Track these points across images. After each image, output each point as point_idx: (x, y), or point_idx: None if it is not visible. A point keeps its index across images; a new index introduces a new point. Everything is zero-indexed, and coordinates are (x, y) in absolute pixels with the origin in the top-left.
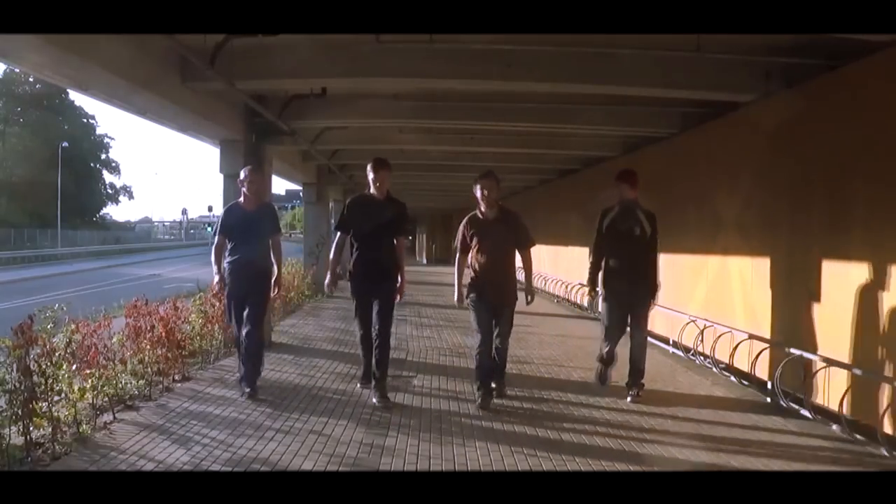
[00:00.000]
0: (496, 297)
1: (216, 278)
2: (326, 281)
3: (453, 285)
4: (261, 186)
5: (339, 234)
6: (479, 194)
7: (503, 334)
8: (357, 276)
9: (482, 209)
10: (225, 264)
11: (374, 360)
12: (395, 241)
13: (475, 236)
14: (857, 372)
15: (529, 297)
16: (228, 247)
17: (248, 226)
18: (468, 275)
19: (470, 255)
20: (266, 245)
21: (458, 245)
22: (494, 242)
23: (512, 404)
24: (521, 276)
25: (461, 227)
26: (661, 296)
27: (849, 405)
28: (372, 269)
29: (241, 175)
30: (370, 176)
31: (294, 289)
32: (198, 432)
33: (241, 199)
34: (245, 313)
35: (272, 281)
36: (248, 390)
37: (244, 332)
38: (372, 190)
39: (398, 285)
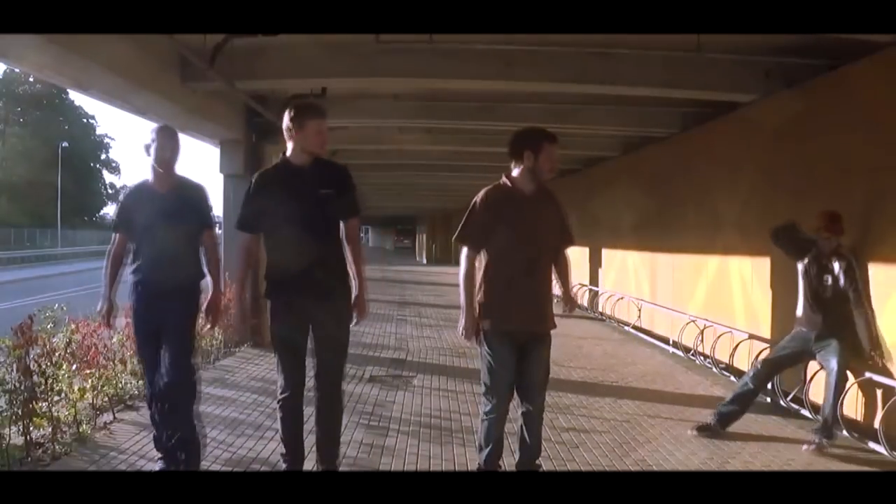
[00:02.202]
0: (528, 323)
1: (102, 304)
2: (235, 319)
3: (460, 308)
4: (176, 153)
5: (242, 235)
6: (534, 160)
7: (536, 389)
8: (280, 294)
9: (516, 175)
10: (129, 281)
11: (317, 437)
12: (337, 230)
13: (501, 221)
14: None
15: (568, 307)
16: (130, 253)
17: (159, 217)
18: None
19: (484, 254)
20: (191, 247)
21: (468, 233)
22: (534, 234)
23: (512, 405)
24: None
25: (477, 205)
26: (662, 296)
27: (849, 405)
28: (307, 281)
29: (149, 138)
30: (290, 127)
31: None
32: (198, 432)
33: (151, 176)
34: (161, 356)
35: (202, 304)
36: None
37: (162, 383)
38: (292, 153)
39: (352, 300)
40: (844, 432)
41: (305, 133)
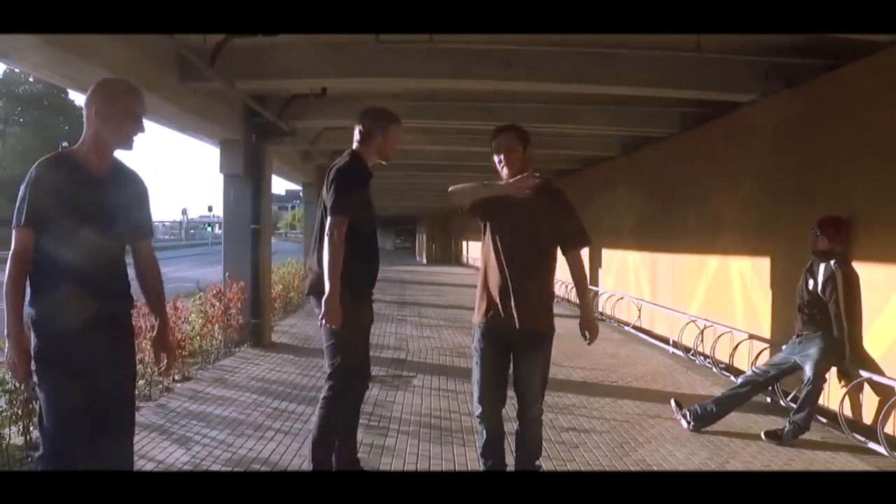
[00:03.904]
0: (520, 321)
1: (12, 348)
2: (334, 313)
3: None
4: (136, 120)
5: (343, 221)
6: (496, 161)
7: (529, 393)
8: (365, 292)
9: (505, 180)
10: (30, 312)
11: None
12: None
13: (492, 217)
14: (857, 372)
15: (587, 332)
16: (45, 265)
17: (96, 212)
18: (473, 288)
19: (482, 251)
20: (123, 260)
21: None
22: (522, 231)
23: (512, 405)
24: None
25: (476, 183)
26: (662, 296)
27: (849, 405)
28: (374, 280)
29: (106, 92)
30: (374, 128)
31: (294, 289)
32: (198, 432)
33: (81, 146)
34: (93, 416)
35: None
36: None
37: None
38: (367, 154)
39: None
40: (844, 432)
41: (388, 139)
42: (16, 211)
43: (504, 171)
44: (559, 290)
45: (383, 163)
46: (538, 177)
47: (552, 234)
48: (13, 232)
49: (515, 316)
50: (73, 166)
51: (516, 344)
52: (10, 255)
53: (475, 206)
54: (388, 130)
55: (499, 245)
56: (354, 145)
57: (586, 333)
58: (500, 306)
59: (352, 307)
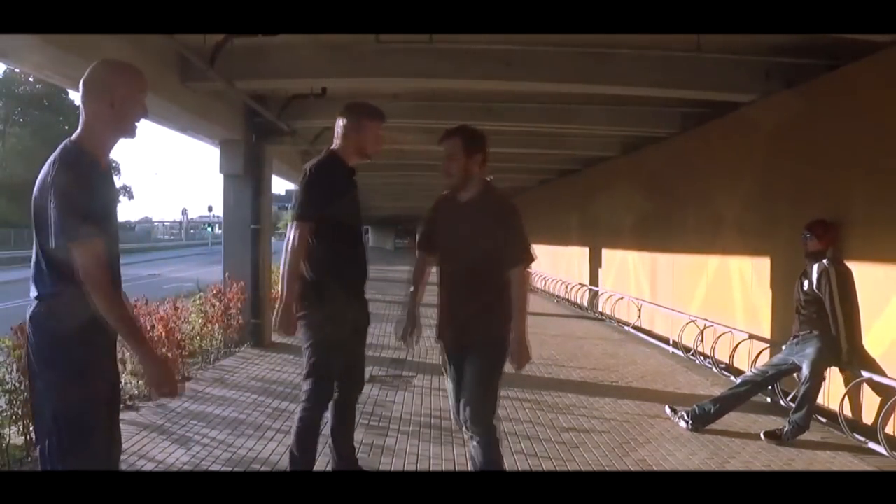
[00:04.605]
0: (451, 334)
1: (154, 372)
2: (283, 319)
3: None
4: (141, 103)
5: (304, 225)
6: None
7: (468, 412)
8: (340, 291)
9: (450, 185)
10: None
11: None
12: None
13: (437, 230)
14: (857, 371)
15: (514, 358)
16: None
17: (115, 206)
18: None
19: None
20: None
21: (420, 237)
22: (456, 246)
23: (512, 405)
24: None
25: (428, 213)
26: (662, 296)
27: (849, 405)
28: (361, 280)
29: (115, 73)
30: (347, 125)
31: None
32: (198, 432)
33: (86, 138)
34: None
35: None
36: None
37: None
38: (344, 151)
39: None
40: (844, 432)
41: (365, 135)
42: (77, 223)
43: (445, 181)
44: (558, 289)
45: (368, 160)
46: (489, 181)
47: (494, 247)
48: (83, 247)
49: (450, 327)
50: (94, 163)
51: (459, 356)
52: (94, 275)
53: (426, 247)
54: (363, 126)
55: (439, 262)
56: (334, 143)
57: (513, 357)
58: (440, 322)
59: (331, 311)
